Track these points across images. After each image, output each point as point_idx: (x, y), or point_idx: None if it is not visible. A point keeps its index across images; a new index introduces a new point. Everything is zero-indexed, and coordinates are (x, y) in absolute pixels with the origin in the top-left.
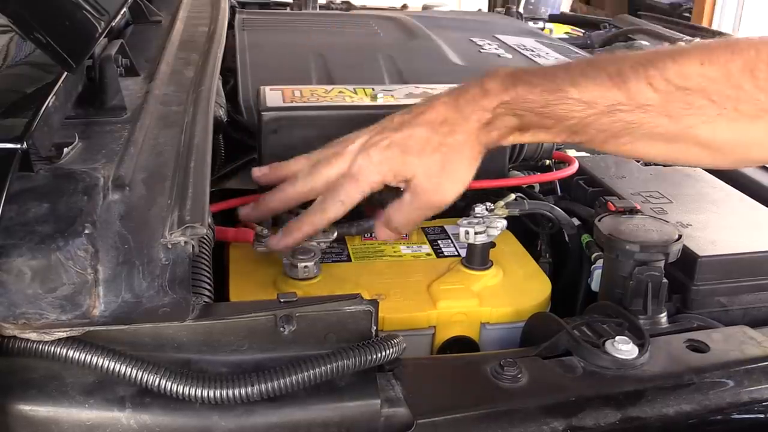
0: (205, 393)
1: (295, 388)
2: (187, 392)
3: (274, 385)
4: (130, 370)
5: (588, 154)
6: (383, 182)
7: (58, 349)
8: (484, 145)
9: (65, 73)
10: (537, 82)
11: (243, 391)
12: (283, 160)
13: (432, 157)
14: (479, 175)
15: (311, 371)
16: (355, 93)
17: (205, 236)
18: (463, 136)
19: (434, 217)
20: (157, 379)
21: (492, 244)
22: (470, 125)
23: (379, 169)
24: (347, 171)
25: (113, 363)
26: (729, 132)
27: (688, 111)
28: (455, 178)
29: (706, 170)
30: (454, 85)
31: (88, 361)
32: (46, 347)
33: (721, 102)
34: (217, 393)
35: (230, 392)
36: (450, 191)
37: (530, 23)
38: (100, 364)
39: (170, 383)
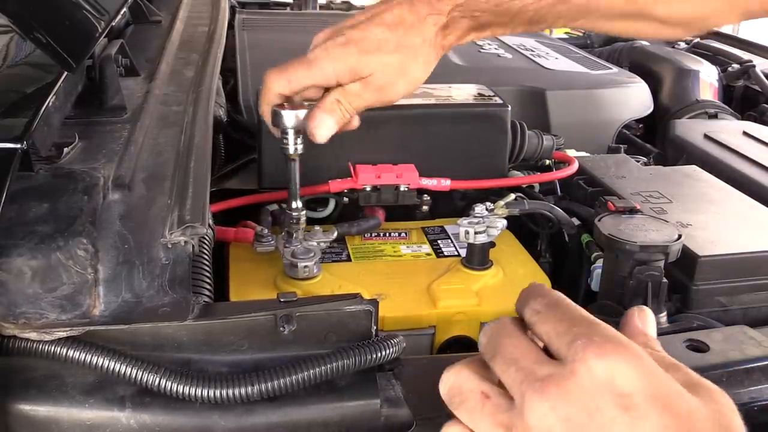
0: (205, 393)
1: (295, 387)
2: (187, 392)
3: (274, 385)
4: (130, 369)
5: (588, 154)
6: (336, 78)
7: (58, 349)
8: (441, 48)
9: (65, 73)
10: None
11: (243, 391)
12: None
13: (390, 57)
14: (479, 175)
15: (311, 371)
16: None
17: (205, 236)
18: (420, 39)
19: (434, 217)
20: (157, 379)
21: (492, 244)
22: (427, 29)
23: (334, 65)
24: (302, 57)
25: (113, 363)
26: (686, 6)
27: None
28: (410, 80)
29: (705, 170)
30: None
31: (88, 360)
32: (46, 347)
33: None
34: (217, 393)
35: (230, 392)
36: (402, 91)
37: None
38: (100, 363)
39: (170, 383)
